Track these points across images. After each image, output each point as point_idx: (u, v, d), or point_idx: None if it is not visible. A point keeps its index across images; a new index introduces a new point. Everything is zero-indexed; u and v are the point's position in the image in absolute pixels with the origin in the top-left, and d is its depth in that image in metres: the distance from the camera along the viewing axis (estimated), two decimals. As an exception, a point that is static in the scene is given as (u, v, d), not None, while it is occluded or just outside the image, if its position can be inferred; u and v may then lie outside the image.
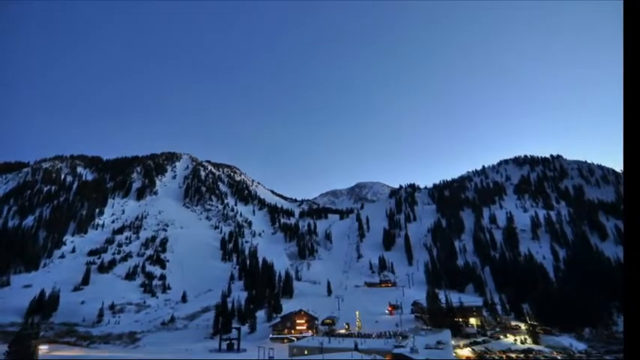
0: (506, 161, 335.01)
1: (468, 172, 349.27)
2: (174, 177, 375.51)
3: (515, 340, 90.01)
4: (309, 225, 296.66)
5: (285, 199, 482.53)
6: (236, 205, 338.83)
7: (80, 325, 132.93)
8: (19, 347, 74.71)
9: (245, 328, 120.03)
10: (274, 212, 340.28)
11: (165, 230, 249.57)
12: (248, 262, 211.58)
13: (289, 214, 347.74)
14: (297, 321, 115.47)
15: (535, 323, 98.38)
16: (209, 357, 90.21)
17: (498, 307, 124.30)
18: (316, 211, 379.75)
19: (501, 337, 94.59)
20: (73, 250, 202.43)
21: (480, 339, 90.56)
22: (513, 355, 74.36)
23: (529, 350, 78.85)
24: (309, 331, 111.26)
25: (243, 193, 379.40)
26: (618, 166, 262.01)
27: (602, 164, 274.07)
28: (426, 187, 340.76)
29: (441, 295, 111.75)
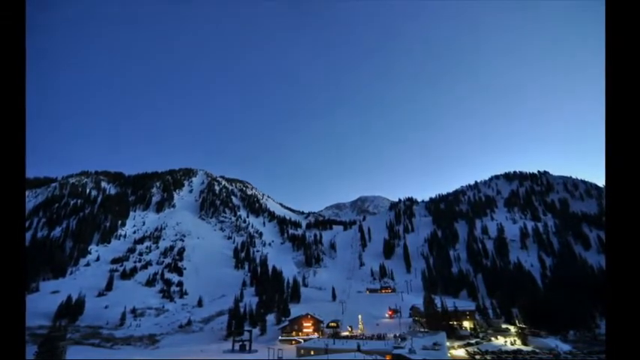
0: (497, 177, 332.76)
1: (461, 186, 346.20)
2: (190, 191, 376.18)
3: (506, 341, 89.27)
4: (315, 235, 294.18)
5: (293, 211, 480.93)
6: (248, 217, 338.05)
7: (104, 328, 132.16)
8: (47, 348, 74.74)
9: (256, 331, 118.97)
10: (283, 224, 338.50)
11: (183, 240, 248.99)
12: (259, 269, 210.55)
13: (297, 225, 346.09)
14: (304, 324, 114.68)
15: (524, 326, 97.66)
16: (223, 357, 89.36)
17: (490, 312, 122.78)
18: (322, 222, 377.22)
19: (493, 339, 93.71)
20: (98, 259, 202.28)
21: (473, 341, 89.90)
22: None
23: (518, 351, 78.10)
24: (315, 334, 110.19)
25: (255, 206, 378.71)
26: (600, 181, 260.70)
27: (586, 179, 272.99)
28: (423, 201, 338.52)
29: (437, 300, 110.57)
